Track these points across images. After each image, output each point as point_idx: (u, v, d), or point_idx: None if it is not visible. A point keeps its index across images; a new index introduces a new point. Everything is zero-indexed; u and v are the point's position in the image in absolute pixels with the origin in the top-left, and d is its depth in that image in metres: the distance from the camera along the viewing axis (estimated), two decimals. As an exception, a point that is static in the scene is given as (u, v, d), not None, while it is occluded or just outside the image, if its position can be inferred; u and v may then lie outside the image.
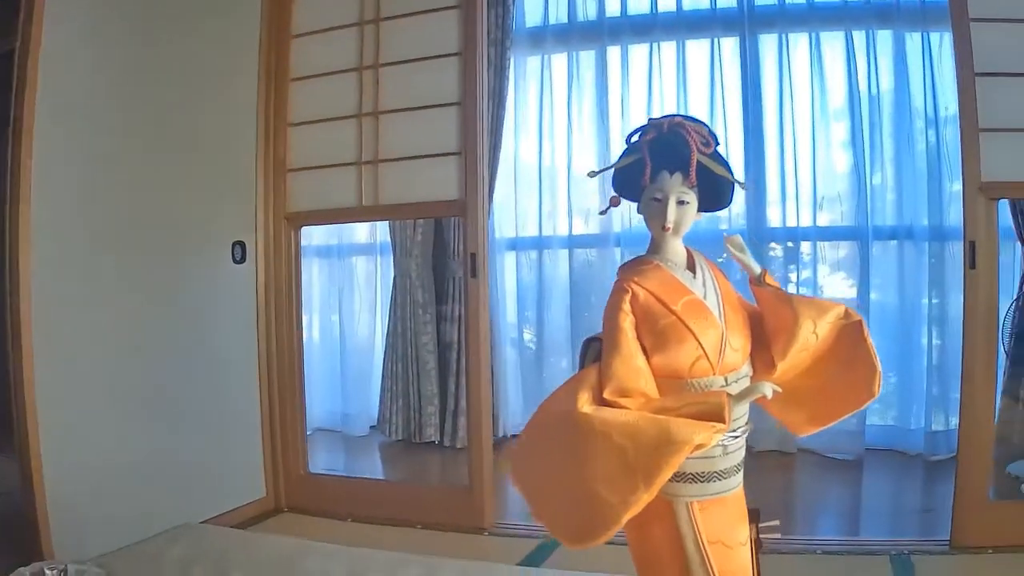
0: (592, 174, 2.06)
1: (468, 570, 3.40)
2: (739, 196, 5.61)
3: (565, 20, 5.94)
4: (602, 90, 5.84)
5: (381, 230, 6.25)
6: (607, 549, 3.56)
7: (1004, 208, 4.37)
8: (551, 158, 5.97)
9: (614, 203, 2.00)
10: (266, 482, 4.50)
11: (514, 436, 6.02)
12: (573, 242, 5.99)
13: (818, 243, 5.56)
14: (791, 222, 5.56)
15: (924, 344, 5.45)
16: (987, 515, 3.67)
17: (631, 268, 1.94)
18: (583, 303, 5.98)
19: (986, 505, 3.70)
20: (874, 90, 5.45)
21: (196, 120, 4.18)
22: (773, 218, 5.62)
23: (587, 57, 5.92)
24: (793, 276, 5.61)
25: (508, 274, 6.11)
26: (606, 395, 1.78)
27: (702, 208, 1.93)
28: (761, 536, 2.00)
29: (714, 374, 1.86)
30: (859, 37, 5.44)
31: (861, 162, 5.41)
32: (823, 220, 5.53)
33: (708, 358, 1.85)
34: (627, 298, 1.86)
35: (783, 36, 5.57)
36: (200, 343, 4.21)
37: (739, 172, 5.60)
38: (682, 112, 5.57)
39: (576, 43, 5.92)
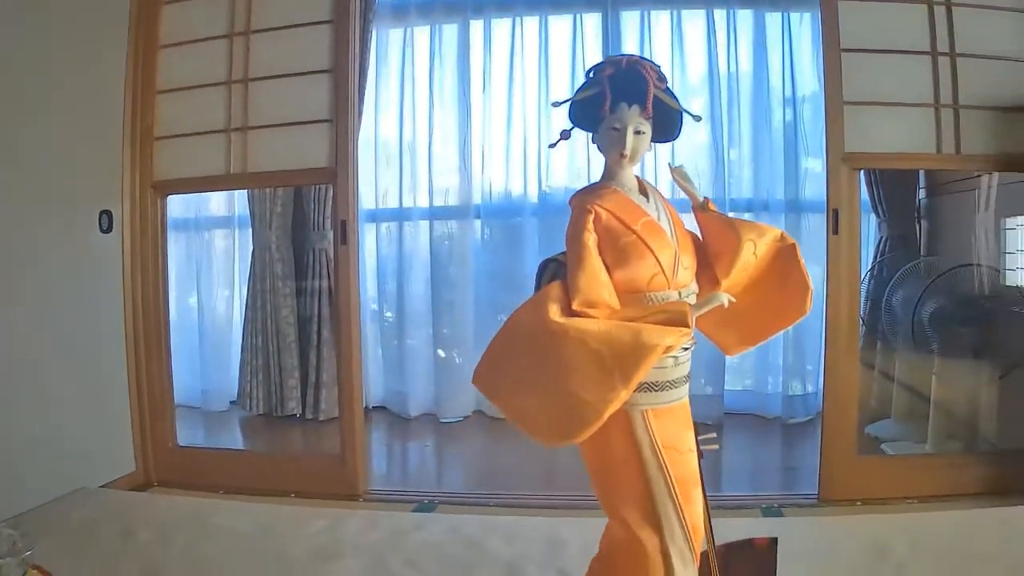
0: (556, 104, 2.13)
1: (374, 519, 3.66)
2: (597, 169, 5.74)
3: (429, -7, 5.93)
4: (464, 65, 5.86)
5: (240, 203, 6.13)
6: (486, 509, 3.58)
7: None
8: (412, 131, 5.95)
9: (564, 136, 2.14)
10: (136, 456, 4.39)
11: (376, 408, 6.02)
12: (434, 214, 6.00)
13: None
14: (649, 195, 5.68)
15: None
16: (853, 471, 3.90)
17: (591, 192, 2.10)
18: (443, 275, 6.02)
19: (853, 461, 3.93)
20: (733, 68, 5.59)
21: (62, 87, 4.03)
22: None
23: (450, 31, 5.91)
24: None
25: (368, 246, 6.06)
26: (575, 306, 1.92)
27: (654, 139, 2.10)
28: (701, 447, 2.18)
29: (669, 289, 2.03)
30: (720, 16, 5.57)
31: (719, 137, 5.55)
32: (681, 193, 5.64)
33: (664, 274, 2.01)
34: (590, 218, 2.01)
35: (645, 14, 5.67)
36: (68, 314, 4.07)
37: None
38: (544, 86, 5.70)
39: (439, 17, 5.91)
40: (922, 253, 5.43)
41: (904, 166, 4.64)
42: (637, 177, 2.15)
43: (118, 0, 4.35)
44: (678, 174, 2.24)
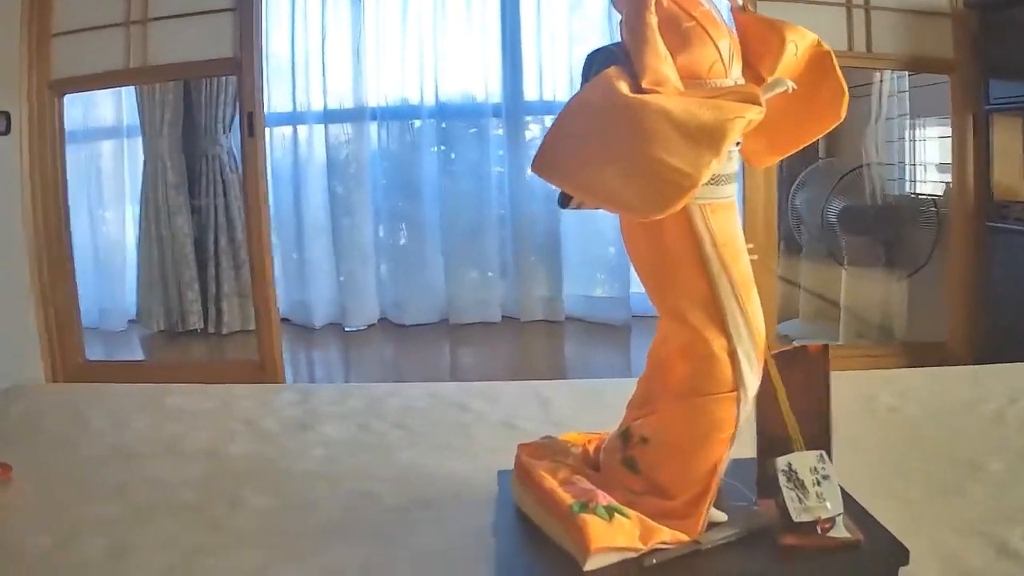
0: None
1: (345, 391, 3.64)
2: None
3: None
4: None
5: (129, 111, 5.91)
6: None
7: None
8: (304, 33, 5.82)
9: None
10: (44, 371, 4.25)
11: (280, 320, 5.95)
12: (328, 117, 5.91)
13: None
14: (548, 96, 5.76)
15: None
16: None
17: None
18: (340, 180, 5.97)
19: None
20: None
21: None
22: (530, 92, 5.79)
23: (342, -71, 5.79)
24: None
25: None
26: (645, 84, 1.87)
27: None
28: None
29: (727, 77, 2.00)
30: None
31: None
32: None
33: (723, 62, 1.99)
34: (652, 2, 1.96)
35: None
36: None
37: (496, 46, 5.68)
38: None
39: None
40: (820, 156, 5.47)
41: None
42: None
43: None
44: None
